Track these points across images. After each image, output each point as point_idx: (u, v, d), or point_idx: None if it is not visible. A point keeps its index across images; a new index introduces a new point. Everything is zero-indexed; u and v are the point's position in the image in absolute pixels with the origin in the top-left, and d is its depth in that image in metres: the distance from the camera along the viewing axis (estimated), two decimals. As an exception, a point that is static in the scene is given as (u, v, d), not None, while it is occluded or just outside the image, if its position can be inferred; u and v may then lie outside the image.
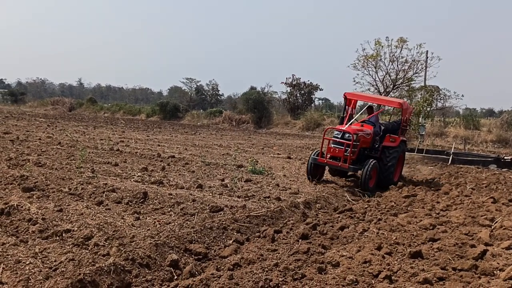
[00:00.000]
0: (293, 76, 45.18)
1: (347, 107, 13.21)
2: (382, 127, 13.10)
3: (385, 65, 27.30)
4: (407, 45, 27.02)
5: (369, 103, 13.86)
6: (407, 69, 27.43)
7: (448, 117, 40.34)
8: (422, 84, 28.99)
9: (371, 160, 11.38)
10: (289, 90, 45.52)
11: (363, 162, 11.55)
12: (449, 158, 19.32)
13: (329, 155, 11.58)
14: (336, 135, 11.53)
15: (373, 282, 4.66)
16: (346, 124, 12.02)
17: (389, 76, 27.57)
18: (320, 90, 46.40)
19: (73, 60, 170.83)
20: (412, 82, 28.31)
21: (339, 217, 7.85)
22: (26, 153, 12.44)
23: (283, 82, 45.32)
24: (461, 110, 46.16)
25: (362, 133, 11.73)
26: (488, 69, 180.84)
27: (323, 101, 74.24)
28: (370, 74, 27.66)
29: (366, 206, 8.83)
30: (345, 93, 12.95)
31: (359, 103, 15.53)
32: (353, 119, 12.68)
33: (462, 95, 38.87)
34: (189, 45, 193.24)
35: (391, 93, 27.84)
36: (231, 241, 6.08)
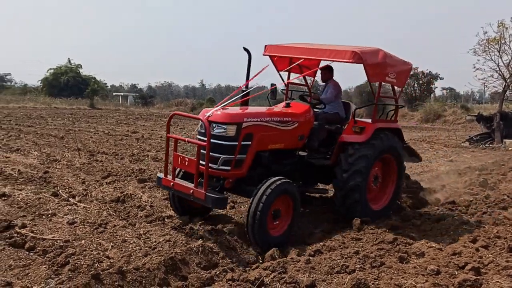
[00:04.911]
0: (410, 66, 43.22)
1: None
2: (353, 107, 7.38)
3: (510, 48, 24.77)
4: (535, 25, 24.21)
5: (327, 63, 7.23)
6: (536, 51, 24.57)
7: None
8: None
9: (271, 179, 5.52)
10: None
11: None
12: None
13: (179, 171, 6.17)
14: (200, 130, 5.95)
15: (456, 273, 4.52)
16: (223, 103, 6.02)
17: (515, 60, 24.95)
18: (440, 79, 43.80)
19: (196, 62, 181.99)
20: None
21: (438, 209, 7.54)
22: (147, 149, 13.78)
23: (399, 73, 43.55)
24: None
25: (258, 120, 5.87)
26: None
27: (448, 90, 69.54)
28: (492, 59, 25.31)
29: (472, 199, 8.30)
30: (265, 46, 7.17)
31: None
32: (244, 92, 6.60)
33: None
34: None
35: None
36: (317, 231, 6.24)
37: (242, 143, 5.70)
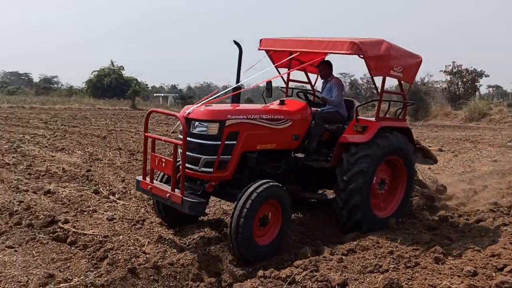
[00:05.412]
0: (453, 64, 41.99)
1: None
2: (356, 104, 6.82)
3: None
4: None
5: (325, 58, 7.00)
6: None
7: None
8: None
9: (258, 182, 5.12)
10: (448, 79, 42.38)
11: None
12: None
13: (160, 174, 5.79)
14: (181, 129, 5.22)
15: (493, 275, 4.40)
16: (206, 99, 5.65)
17: None
18: (485, 76, 42.32)
19: (235, 63, 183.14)
20: None
21: (478, 210, 7.32)
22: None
23: (442, 71, 42.40)
24: None
25: (245, 117, 5.46)
26: None
27: (494, 88, 67.04)
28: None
29: (516, 199, 8.00)
30: (261, 40, 6.78)
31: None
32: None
33: None
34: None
35: None
36: (352, 230, 6.19)
37: (225, 142, 5.23)
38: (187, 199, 4.94)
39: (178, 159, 5.18)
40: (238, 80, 6.21)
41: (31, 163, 9.80)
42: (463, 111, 37.36)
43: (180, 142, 5.04)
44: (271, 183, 5.15)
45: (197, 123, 5.22)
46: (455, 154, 14.84)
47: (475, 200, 8.21)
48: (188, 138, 5.11)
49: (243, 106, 6.15)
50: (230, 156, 5.30)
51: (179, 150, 5.13)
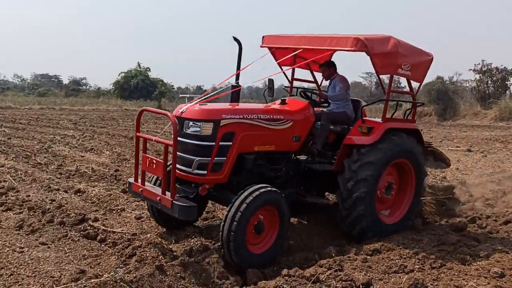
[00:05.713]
0: (482, 62, 41.10)
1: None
2: (362, 104, 6.69)
3: None
4: None
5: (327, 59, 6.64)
6: None
7: None
8: None
9: (253, 187, 4.85)
10: (478, 78, 41.49)
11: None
12: None
13: (151, 176, 5.65)
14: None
15: (521, 277, 4.32)
16: (201, 98, 5.39)
17: None
18: (516, 75, 41.21)
19: (259, 63, 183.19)
20: None
21: (507, 211, 7.19)
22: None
23: (471, 69, 41.56)
24: None
25: (241, 117, 5.21)
26: None
27: (526, 87, 65.23)
28: None
29: (547, 199, 7.84)
30: (263, 37, 6.54)
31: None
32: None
33: None
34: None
35: None
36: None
37: (220, 143, 4.98)
38: (177, 203, 4.73)
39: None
40: (237, 78, 6.02)
41: (62, 163, 10.09)
42: (493, 110, 36.52)
43: (170, 142, 4.78)
44: (267, 188, 4.88)
45: (190, 122, 5.00)
46: (484, 155, 14.58)
47: (504, 201, 8.07)
48: (181, 139, 4.93)
49: (240, 105, 5.80)
50: (225, 158, 5.07)
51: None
